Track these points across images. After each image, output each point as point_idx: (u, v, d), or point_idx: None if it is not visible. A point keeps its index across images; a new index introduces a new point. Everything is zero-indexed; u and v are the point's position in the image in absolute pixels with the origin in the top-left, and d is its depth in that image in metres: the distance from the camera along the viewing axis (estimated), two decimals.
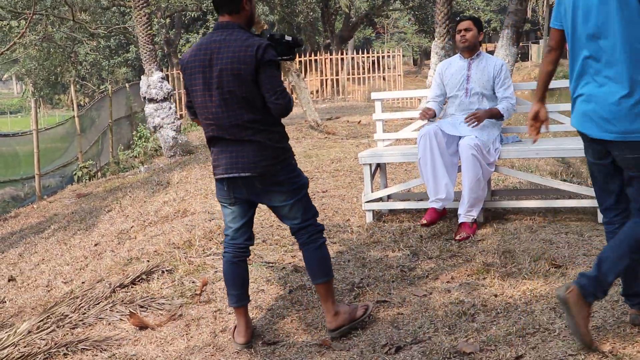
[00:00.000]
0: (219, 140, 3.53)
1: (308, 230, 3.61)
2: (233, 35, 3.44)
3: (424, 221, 5.06)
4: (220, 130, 3.49)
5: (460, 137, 5.13)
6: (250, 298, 3.87)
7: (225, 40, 3.43)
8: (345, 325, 3.62)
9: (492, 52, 10.96)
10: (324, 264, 3.62)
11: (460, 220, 5.11)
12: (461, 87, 5.38)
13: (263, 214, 5.97)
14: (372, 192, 5.67)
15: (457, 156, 5.14)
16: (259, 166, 3.45)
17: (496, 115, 5.23)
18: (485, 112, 5.18)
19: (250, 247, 3.82)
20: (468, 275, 4.24)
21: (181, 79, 21.46)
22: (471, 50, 5.38)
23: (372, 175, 5.73)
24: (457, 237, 4.98)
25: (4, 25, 13.94)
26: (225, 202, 3.64)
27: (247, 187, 3.53)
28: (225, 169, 3.51)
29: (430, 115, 5.36)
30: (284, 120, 3.61)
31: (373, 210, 5.73)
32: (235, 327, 3.73)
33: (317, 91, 22.57)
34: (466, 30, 5.33)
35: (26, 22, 12.82)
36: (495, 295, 3.86)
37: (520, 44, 18.36)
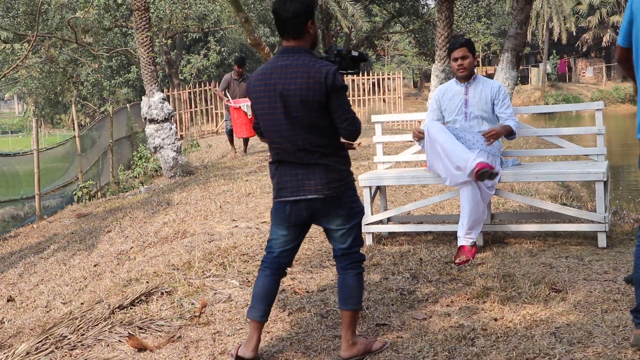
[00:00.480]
0: (283, 163, 3.56)
1: (351, 257, 3.64)
2: (300, 60, 3.44)
3: (488, 169, 4.92)
4: (285, 154, 3.52)
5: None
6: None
7: (292, 66, 3.44)
8: (358, 355, 3.61)
9: (492, 76, 11.01)
10: (356, 293, 3.62)
11: (459, 244, 5.11)
12: (460, 111, 5.40)
13: (261, 237, 5.97)
14: (372, 214, 5.68)
15: None
16: (326, 188, 3.49)
17: (510, 132, 5.25)
18: (502, 128, 5.19)
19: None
20: (468, 299, 4.23)
21: (182, 100, 21.63)
22: (468, 76, 5.40)
23: (372, 198, 5.74)
24: (457, 261, 4.98)
25: (7, 47, 14.01)
26: (282, 224, 3.65)
27: (308, 210, 3.55)
28: (291, 191, 3.53)
29: (422, 135, 5.35)
30: None
31: (373, 233, 5.73)
32: (241, 344, 3.70)
33: None
34: (462, 58, 5.32)
35: (29, 45, 12.87)
36: (495, 320, 3.85)
37: (520, 68, 18.43)
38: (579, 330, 3.55)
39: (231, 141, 13.21)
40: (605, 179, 5.10)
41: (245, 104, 11.96)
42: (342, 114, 3.43)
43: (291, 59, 3.45)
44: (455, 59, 5.34)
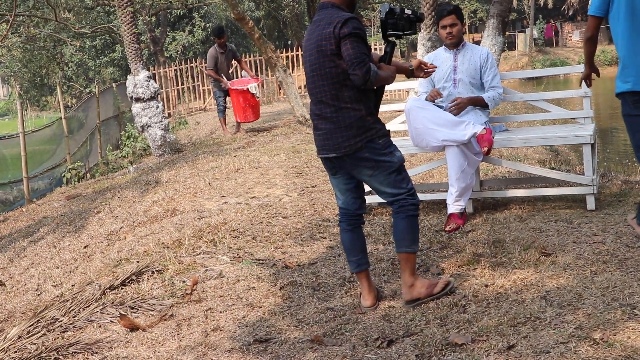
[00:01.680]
0: (314, 116, 3.79)
1: (400, 202, 3.73)
2: (324, 13, 3.67)
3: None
4: (312, 105, 3.78)
5: None
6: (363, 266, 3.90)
7: (319, 20, 3.68)
8: (421, 299, 3.71)
9: (478, 42, 10.93)
10: (409, 234, 3.72)
11: (449, 211, 5.10)
12: (449, 78, 5.36)
13: (251, 212, 5.96)
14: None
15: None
16: (342, 147, 3.66)
17: (480, 103, 5.22)
18: (468, 99, 5.17)
19: (364, 215, 4.06)
20: (458, 266, 4.24)
21: (168, 78, 21.44)
22: (457, 43, 5.35)
23: None
24: (447, 229, 4.98)
25: None
26: (329, 173, 3.88)
27: (339, 163, 3.75)
28: (319, 149, 3.81)
29: (439, 96, 5.32)
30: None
31: None
32: (361, 294, 3.88)
33: (304, 86, 22.53)
34: (451, 26, 5.26)
35: (8, 25, 12.69)
36: (486, 286, 3.86)
37: (507, 33, 18.27)
38: (569, 292, 3.56)
39: (224, 123, 12.05)
40: (592, 142, 5.09)
41: (253, 85, 11.36)
42: (348, 59, 3.55)
43: (321, 14, 3.69)
44: (444, 27, 5.29)
